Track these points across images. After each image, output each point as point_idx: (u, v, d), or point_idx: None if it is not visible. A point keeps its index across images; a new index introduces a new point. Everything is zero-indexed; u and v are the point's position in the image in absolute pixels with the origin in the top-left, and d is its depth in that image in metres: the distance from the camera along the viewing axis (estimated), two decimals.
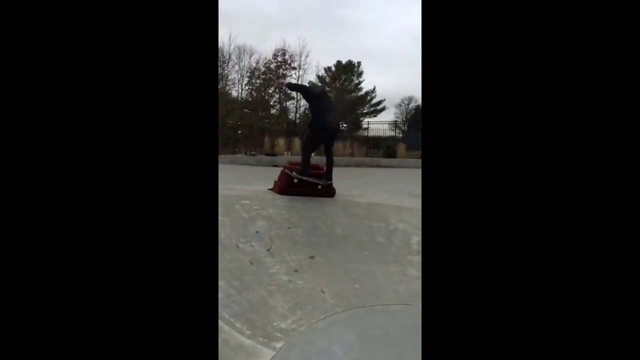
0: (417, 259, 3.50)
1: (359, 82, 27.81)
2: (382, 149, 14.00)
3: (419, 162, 12.75)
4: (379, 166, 12.24)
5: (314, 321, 2.55)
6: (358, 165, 11.72)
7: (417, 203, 4.77)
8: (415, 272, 3.32)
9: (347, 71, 27.55)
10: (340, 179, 5.73)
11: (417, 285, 3.17)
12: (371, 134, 17.28)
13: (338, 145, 15.54)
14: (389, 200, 4.96)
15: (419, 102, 26.89)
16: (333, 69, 27.71)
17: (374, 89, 27.69)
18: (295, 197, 4.34)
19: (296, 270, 3.20)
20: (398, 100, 28.84)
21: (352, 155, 13.92)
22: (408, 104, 28.53)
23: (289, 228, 3.75)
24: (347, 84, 27.43)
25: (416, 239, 3.82)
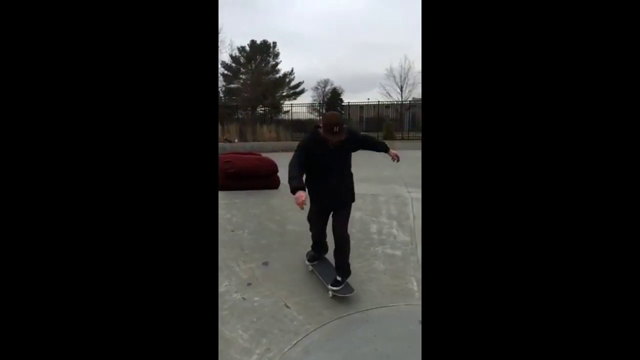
0: (381, 250, 3.19)
1: (276, 64, 26.85)
2: (307, 132, 13.68)
3: None
4: None
5: (286, 349, 2.04)
6: (285, 149, 11.18)
7: (367, 188, 4.48)
8: (382, 265, 3.01)
9: (262, 52, 26.32)
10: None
11: (389, 281, 2.86)
12: (293, 117, 16.85)
13: (263, 130, 14.76)
14: None
15: (335, 84, 27.12)
16: (247, 48, 26.23)
17: (292, 70, 27.02)
18: (233, 192, 3.69)
19: (250, 284, 2.63)
20: (314, 83, 28.49)
21: (277, 139, 13.32)
22: (324, 87, 28.37)
23: (233, 231, 3.13)
24: (263, 65, 26.25)
25: (375, 227, 3.51)
